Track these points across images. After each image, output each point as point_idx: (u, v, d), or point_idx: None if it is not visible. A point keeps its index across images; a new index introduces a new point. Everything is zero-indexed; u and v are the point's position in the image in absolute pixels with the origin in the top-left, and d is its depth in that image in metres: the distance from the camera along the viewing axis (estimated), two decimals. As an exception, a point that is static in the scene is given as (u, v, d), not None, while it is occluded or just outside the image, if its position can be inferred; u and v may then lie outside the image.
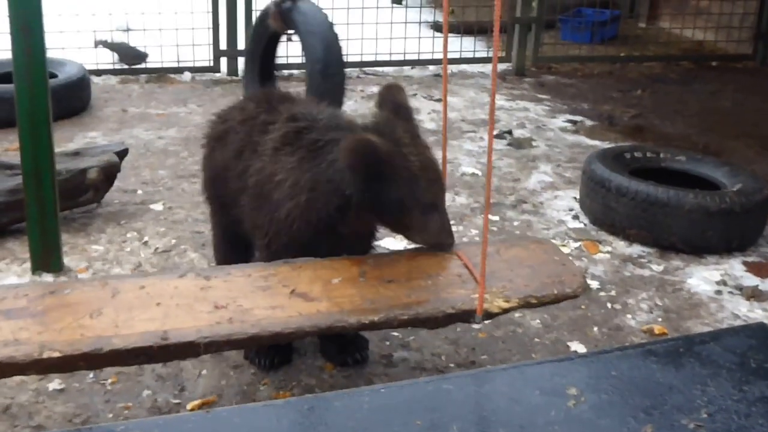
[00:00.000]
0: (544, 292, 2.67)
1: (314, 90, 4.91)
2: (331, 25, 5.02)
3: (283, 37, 5.45)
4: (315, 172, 2.74)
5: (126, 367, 2.92)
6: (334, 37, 4.97)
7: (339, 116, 3.01)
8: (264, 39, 5.52)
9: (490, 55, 8.05)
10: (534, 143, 5.85)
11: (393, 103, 2.87)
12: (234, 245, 3.28)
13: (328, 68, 4.81)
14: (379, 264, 2.77)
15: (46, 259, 3.57)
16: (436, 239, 2.80)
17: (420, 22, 7.78)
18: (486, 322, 3.47)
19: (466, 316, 2.58)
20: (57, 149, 3.61)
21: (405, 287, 2.63)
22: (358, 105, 6.50)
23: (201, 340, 2.33)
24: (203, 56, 7.23)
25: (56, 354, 2.24)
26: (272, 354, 3.13)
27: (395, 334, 3.41)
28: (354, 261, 2.78)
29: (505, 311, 2.61)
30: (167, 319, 2.40)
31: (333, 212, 2.73)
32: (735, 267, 4.11)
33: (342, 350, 3.15)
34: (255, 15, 7.13)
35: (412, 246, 2.91)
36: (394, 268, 2.74)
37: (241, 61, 7.34)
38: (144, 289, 2.56)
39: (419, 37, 7.50)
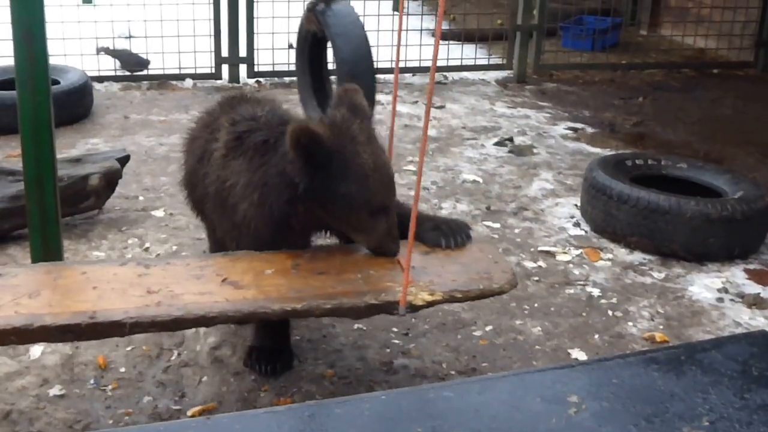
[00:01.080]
0: (471, 287, 2.71)
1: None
2: (361, 26, 4.95)
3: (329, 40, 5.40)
4: (265, 169, 2.76)
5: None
6: (364, 39, 4.90)
7: (282, 113, 3.02)
8: (307, 43, 5.48)
9: (492, 62, 8.06)
10: (535, 150, 5.85)
11: (350, 104, 2.87)
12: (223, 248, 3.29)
13: (356, 70, 4.76)
14: (314, 258, 2.85)
15: (48, 265, 3.56)
16: (378, 244, 2.79)
17: (421, 30, 7.79)
18: (489, 328, 3.46)
19: (389, 308, 2.62)
20: (59, 155, 3.61)
21: (334, 279, 2.70)
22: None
23: (127, 320, 2.44)
24: (205, 63, 7.24)
25: None
26: (273, 360, 3.13)
27: (396, 341, 3.41)
28: (290, 254, 2.85)
29: (430, 304, 2.66)
30: (99, 301, 2.52)
31: (284, 205, 2.74)
32: (736, 274, 4.11)
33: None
34: (256, 22, 7.19)
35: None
36: (327, 261, 2.82)
37: (242, 68, 7.36)
38: (84, 275, 2.68)
39: (420, 45, 7.51)
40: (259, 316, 2.62)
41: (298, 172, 2.66)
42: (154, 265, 2.77)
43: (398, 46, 3.15)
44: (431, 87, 2.42)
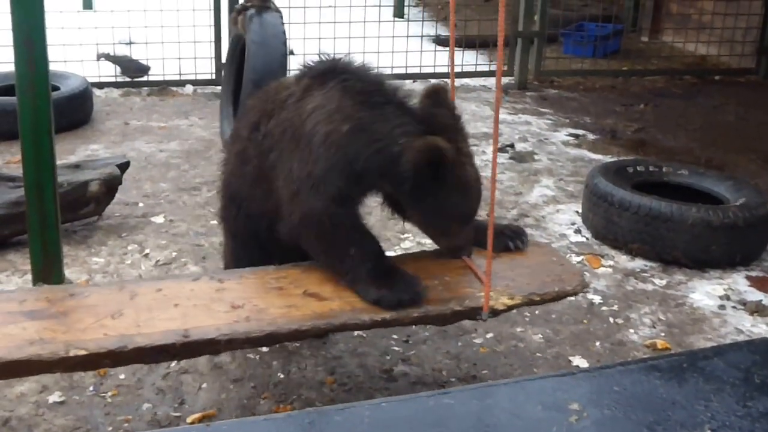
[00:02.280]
0: (546, 290, 2.76)
1: (246, 98, 4.83)
2: (283, 41, 4.96)
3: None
4: (368, 120, 2.61)
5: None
6: (281, 53, 4.90)
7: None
8: (238, 47, 5.43)
9: (492, 68, 8.06)
10: (536, 157, 5.85)
11: (446, 105, 2.78)
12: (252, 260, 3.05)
13: (263, 82, 4.72)
14: None
15: (47, 271, 3.56)
16: (458, 247, 2.82)
17: (422, 36, 7.80)
18: (489, 335, 3.46)
19: (473, 314, 2.66)
20: (59, 162, 3.61)
21: None
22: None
23: (221, 338, 2.42)
24: (205, 69, 7.25)
25: (82, 352, 2.31)
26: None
27: (396, 348, 3.40)
28: None
29: (510, 308, 2.70)
30: (187, 319, 2.48)
31: (374, 171, 2.62)
32: (738, 282, 4.10)
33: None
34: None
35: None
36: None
37: (243, 74, 7.37)
38: (161, 292, 2.64)
39: (421, 51, 7.51)
40: (350, 327, 2.64)
41: (406, 178, 2.58)
42: (228, 279, 2.74)
43: (452, 51, 3.15)
44: (499, 85, 2.40)
